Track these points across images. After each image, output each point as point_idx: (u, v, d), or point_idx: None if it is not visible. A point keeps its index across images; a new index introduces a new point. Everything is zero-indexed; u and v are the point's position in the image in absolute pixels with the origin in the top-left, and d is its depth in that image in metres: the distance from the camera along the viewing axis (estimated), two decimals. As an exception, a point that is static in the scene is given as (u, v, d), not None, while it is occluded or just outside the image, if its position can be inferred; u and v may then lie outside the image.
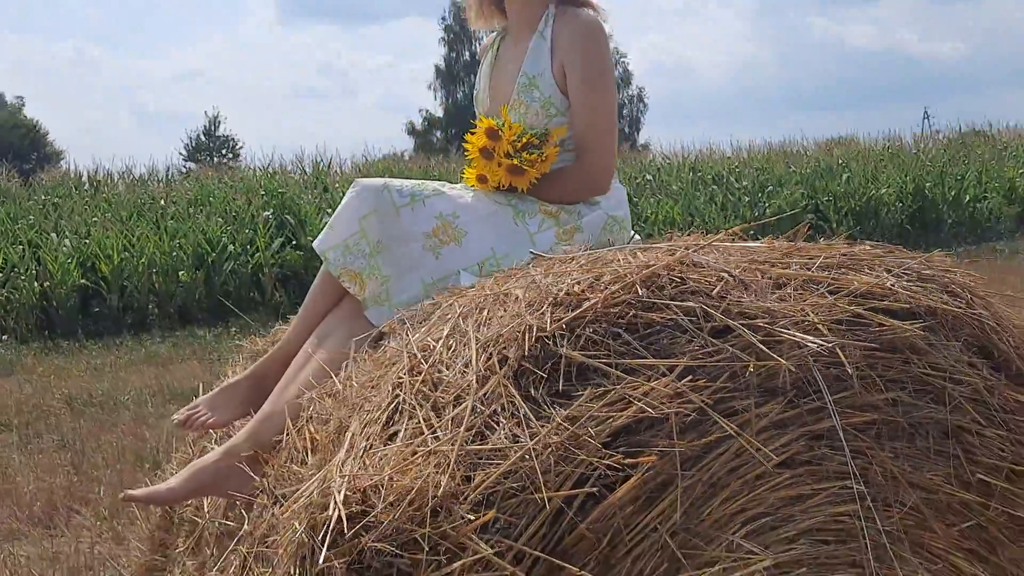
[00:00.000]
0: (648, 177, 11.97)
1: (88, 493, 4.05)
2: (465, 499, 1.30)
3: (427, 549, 1.26)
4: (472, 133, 2.25)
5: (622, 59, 40.83)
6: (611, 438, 1.35)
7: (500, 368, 1.46)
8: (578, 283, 1.56)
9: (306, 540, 1.37)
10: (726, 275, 1.55)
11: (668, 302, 1.50)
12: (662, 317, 1.48)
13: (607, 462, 1.32)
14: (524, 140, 2.17)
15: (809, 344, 1.45)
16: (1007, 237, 11.95)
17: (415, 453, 1.37)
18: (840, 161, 12.90)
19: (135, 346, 7.86)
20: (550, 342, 1.47)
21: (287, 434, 1.85)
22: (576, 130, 2.22)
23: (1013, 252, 10.66)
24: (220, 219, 9.65)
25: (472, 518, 1.28)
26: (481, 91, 2.46)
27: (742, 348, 1.45)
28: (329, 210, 9.57)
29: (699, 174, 12.35)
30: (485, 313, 1.63)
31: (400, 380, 1.58)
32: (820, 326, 1.49)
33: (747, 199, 11.27)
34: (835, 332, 1.48)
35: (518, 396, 1.41)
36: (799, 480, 1.47)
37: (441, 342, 1.61)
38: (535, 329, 1.48)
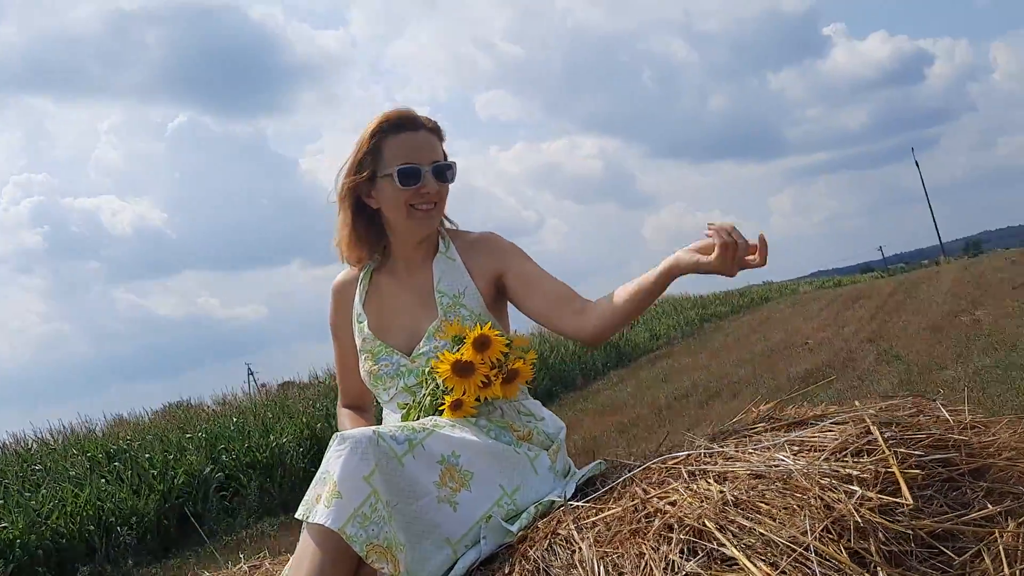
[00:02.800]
0: (37, 467, 10.40)
1: None
2: None
3: None
4: (438, 359, 1.92)
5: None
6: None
7: (873, 556, 1.31)
8: (849, 459, 1.49)
9: None
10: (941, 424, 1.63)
11: (924, 456, 1.52)
12: (945, 468, 1.50)
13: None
14: (505, 340, 1.94)
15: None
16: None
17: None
18: (235, 418, 12.85)
19: None
20: (901, 515, 1.36)
21: None
22: (555, 289, 2.04)
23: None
24: None
25: None
26: (362, 328, 2.15)
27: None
28: None
29: (89, 454, 11.15)
30: (743, 520, 1.43)
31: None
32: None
33: (155, 470, 10.49)
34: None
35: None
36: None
37: (743, 556, 1.35)
38: (876, 509, 1.37)
